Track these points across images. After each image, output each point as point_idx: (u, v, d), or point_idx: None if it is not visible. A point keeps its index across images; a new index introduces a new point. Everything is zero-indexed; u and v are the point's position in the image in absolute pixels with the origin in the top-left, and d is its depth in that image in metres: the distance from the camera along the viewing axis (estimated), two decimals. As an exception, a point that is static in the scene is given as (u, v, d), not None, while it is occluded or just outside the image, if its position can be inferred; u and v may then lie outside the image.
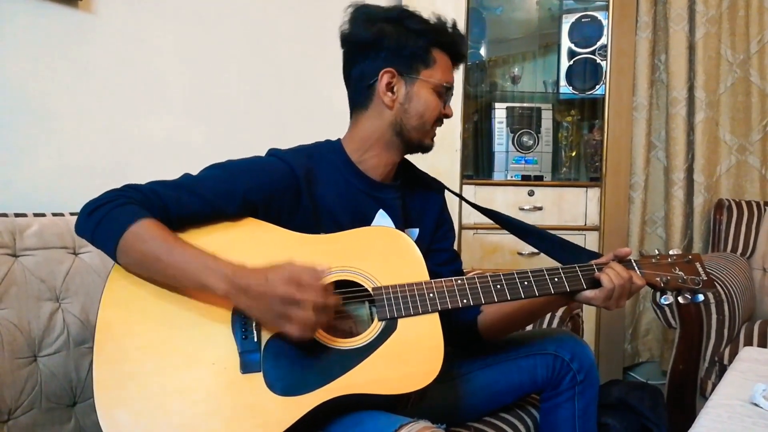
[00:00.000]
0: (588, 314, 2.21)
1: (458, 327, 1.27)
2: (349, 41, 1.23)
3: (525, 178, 2.36)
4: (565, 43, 2.39)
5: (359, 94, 1.24)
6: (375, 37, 1.19)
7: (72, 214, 1.29)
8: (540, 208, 2.32)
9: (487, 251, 2.30)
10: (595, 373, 1.28)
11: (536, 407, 1.36)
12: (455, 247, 1.41)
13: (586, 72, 2.38)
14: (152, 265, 1.00)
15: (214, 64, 1.85)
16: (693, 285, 1.19)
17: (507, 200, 2.31)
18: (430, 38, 1.20)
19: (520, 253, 2.28)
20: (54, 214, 1.31)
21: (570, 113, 2.58)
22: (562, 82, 2.40)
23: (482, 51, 2.54)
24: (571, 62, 2.39)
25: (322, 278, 0.97)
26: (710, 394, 1.22)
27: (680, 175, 2.62)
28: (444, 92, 1.22)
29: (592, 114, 2.55)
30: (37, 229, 1.25)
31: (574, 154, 2.57)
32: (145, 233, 0.99)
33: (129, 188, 1.05)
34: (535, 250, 1.44)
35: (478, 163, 2.53)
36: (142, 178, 1.09)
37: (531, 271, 1.15)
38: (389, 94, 1.20)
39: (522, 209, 2.31)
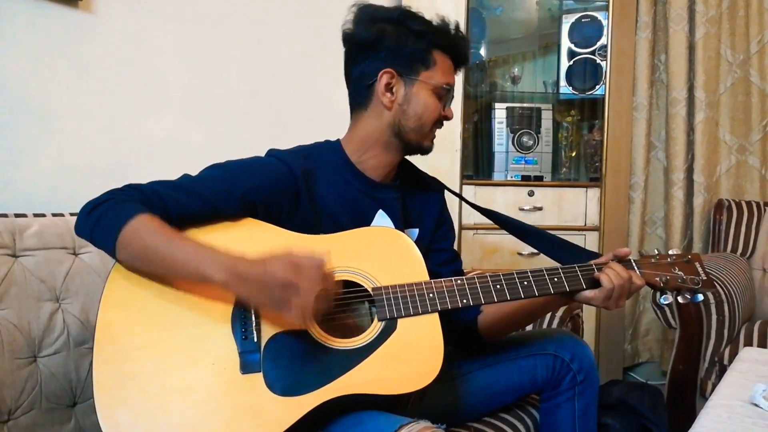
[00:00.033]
0: (588, 314, 2.21)
1: (458, 327, 1.27)
2: (350, 41, 1.23)
3: (525, 178, 2.36)
4: (565, 43, 2.40)
5: (359, 94, 1.24)
6: (375, 37, 1.19)
7: (72, 214, 1.29)
8: (540, 209, 2.32)
9: (487, 251, 2.30)
10: (595, 374, 1.28)
11: (536, 407, 1.36)
12: (455, 247, 1.41)
13: (586, 72, 2.38)
14: (152, 257, 0.99)
15: (214, 64, 1.85)
16: (692, 285, 1.19)
17: (507, 200, 2.31)
18: (431, 40, 1.19)
19: (519, 254, 2.28)
20: (54, 215, 1.31)
21: (570, 113, 2.58)
22: (562, 82, 2.41)
23: (482, 51, 2.54)
24: (571, 62, 2.39)
25: (321, 264, 0.96)
26: (710, 394, 1.22)
27: (680, 176, 2.62)
28: (444, 94, 1.22)
29: (592, 114, 2.55)
30: (37, 230, 1.25)
31: (574, 154, 2.57)
32: (144, 227, 0.99)
33: (130, 188, 1.05)
34: (535, 251, 1.44)
35: (478, 163, 2.53)
36: (142, 178, 1.09)
37: (531, 271, 1.15)
38: (388, 94, 1.20)
39: (522, 209, 2.31)
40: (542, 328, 1.61)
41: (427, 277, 1.12)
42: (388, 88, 1.20)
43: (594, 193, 2.33)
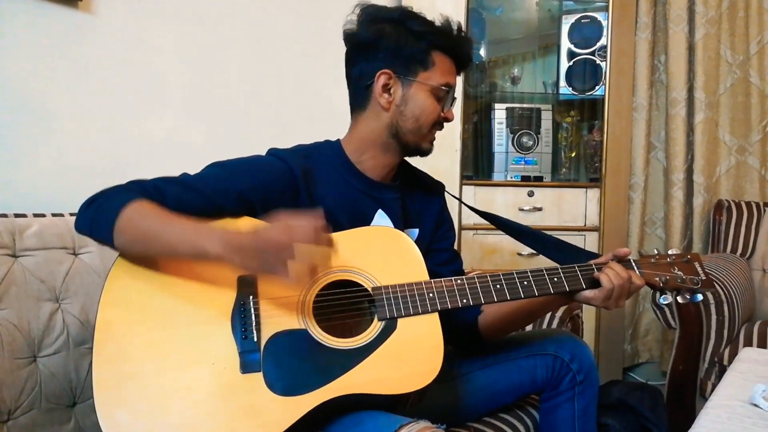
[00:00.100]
0: (588, 314, 2.21)
1: (458, 327, 1.27)
2: (350, 41, 1.23)
3: (525, 178, 2.36)
4: (565, 44, 2.40)
5: (358, 95, 1.24)
6: (374, 37, 1.19)
7: (72, 214, 1.29)
8: (540, 209, 2.32)
9: (486, 252, 2.30)
10: (594, 374, 1.28)
11: (536, 407, 1.36)
12: (455, 247, 1.41)
13: (585, 73, 2.38)
14: (149, 238, 0.99)
15: (214, 64, 1.85)
16: (692, 285, 1.19)
17: (507, 201, 2.31)
18: (431, 40, 1.19)
19: (519, 254, 2.28)
20: (54, 215, 1.31)
21: (570, 114, 2.58)
22: (562, 82, 2.41)
23: (482, 51, 2.54)
24: (571, 63, 2.39)
25: (314, 223, 0.94)
26: (710, 394, 1.23)
27: (680, 176, 2.62)
28: (443, 95, 1.21)
29: (592, 115, 2.55)
30: (36, 230, 1.25)
31: (573, 154, 2.57)
32: (139, 211, 1.00)
33: (131, 183, 1.07)
34: (535, 251, 1.44)
35: (477, 163, 2.53)
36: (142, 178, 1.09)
37: (530, 271, 1.15)
38: (385, 95, 1.20)
39: (522, 210, 2.31)
40: (542, 328, 1.61)
41: (427, 277, 1.12)
42: (386, 88, 1.19)
43: (594, 194, 2.33)
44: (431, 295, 1.09)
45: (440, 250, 1.33)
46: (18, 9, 1.39)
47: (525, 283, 1.14)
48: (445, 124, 1.25)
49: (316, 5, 2.11)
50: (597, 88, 2.37)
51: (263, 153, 1.21)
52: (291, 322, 1.03)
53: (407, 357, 1.04)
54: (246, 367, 0.98)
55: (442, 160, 2.16)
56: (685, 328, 1.97)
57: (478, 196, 2.30)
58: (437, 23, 1.21)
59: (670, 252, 1.23)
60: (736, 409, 1.05)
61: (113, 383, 0.95)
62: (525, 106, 2.43)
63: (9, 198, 1.35)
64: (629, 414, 1.54)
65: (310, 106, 2.09)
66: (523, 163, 2.39)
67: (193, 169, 1.14)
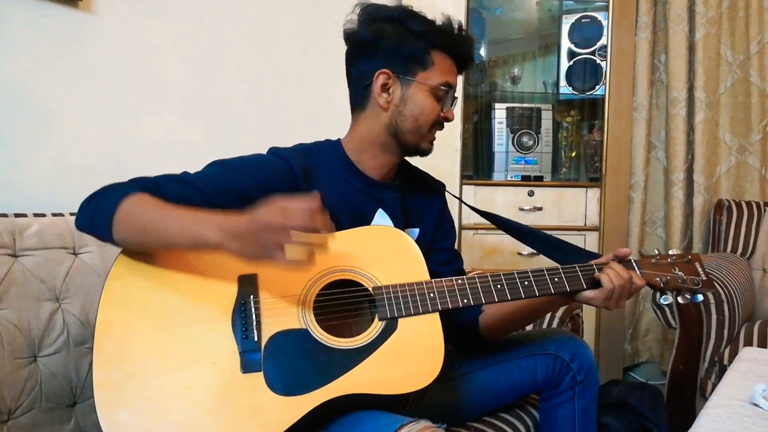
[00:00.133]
0: (588, 314, 2.21)
1: (459, 327, 1.27)
2: (350, 40, 1.23)
3: (525, 178, 2.36)
4: (565, 44, 2.40)
5: (358, 94, 1.24)
6: (374, 36, 1.19)
7: (72, 214, 1.29)
8: (540, 209, 2.32)
9: (487, 251, 2.30)
10: (594, 374, 1.28)
11: (536, 407, 1.36)
12: (455, 247, 1.40)
13: (585, 72, 2.38)
14: (147, 229, 0.99)
15: (214, 64, 1.85)
16: (692, 285, 1.19)
17: (507, 200, 2.31)
18: (430, 40, 1.18)
19: (519, 253, 2.28)
20: (54, 214, 1.31)
21: (570, 113, 2.58)
22: (562, 82, 2.41)
23: (482, 51, 2.54)
24: (571, 62, 2.39)
25: (309, 204, 0.93)
26: (710, 394, 1.22)
27: (680, 176, 2.62)
28: (443, 95, 1.20)
29: (592, 114, 2.55)
30: (37, 229, 1.25)
31: (573, 154, 2.57)
32: (138, 204, 1.01)
33: (132, 180, 1.07)
34: (535, 251, 1.44)
35: (478, 163, 2.53)
36: (142, 178, 1.09)
37: (531, 271, 1.15)
38: (384, 95, 1.19)
39: (522, 209, 2.31)
40: (542, 328, 1.61)
41: (427, 277, 1.12)
42: (385, 88, 1.19)
43: (594, 193, 2.33)
44: (432, 295, 1.09)
45: (441, 250, 1.33)
46: (18, 9, 1.39)
47: (526, 283, 1.14)
48: (445, 123, 1.24)
49: (316, 5, 2.11)
50: (597, 87, 2.37)
51: (264, 152, 1.21)
52: (291, 321, 1.03)
53: (408, 357, 1.04)
54: (246, 367, 0.98)
55: (442, 160, 2.16)
56: (686, 327, 1.97)
57: (479, 195, 2.30)
58: (438, 22, 1.20)
59: (670, 252, 1.23)
60: (737, 408, 1.05)
61: (113, 383, 0.95)
62: (525, 105, 2.43)
63: (9, 198, 1.35)
64: (629, 414, 1.54)
65: (310, 106, 2.09)
66: (523, 162, 2.39)
67: (194, 169, 1.14)
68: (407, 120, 1.20)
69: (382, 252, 1.13)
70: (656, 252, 1.24)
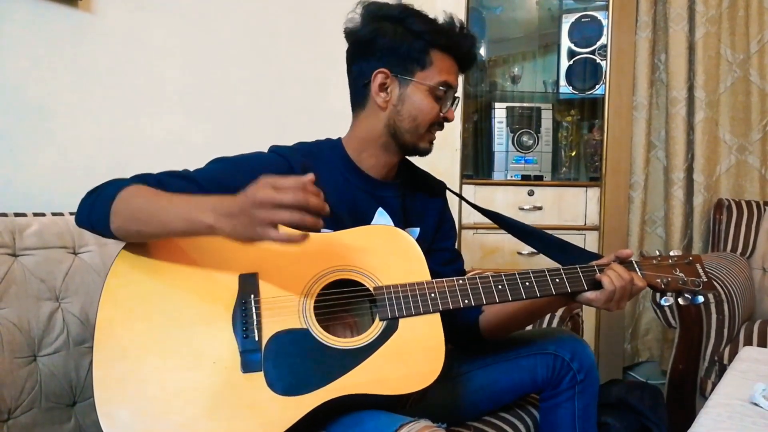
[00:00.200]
0: (588, 314, 2.21)
1: (459, 327, 1.27)
2: (350, 38, 1.22)
3: (525, 177, 2.36)
4: (565, 43, 2.39)
5: (357, 93, 1.23)
6: (372, 35, 1.18)
7: (72, 213, 1.28)
8: (540, 208, 2.32)
9: (487, 251, 2.30)
10: (595, 373, 1.28)
11: (536, 407, 1.36)
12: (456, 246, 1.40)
13: (585, 72, 2.38)
14: (142, 216, 0.99)
15: (214, 64, 1.85)
16: (693, 286, 1.19)
17: (507, 200, 2.31)
18: (429, 39, 1.17)
19: (519, 253, 2.28)
20: (54, 214, 1.31)
21: (570, 113, 2.58)
22: (562, 81, 2.40)
23: (482, 50, 2.54)
24: (571, 62, 2.39)
25: (303, 179, 0.91)
26: (710, 393, 1.22)
27: (680, 175, 2.62)
28: (442, 95, 1.19)
29: (592, 114, 2.55)
30: (36, 229, 1.25)
31: (573, 153, 2.57)
32: (134, 193, 1.01)
33: (134, 176, 1.07)
34: (535, 250, 1.44)
35: (477, 162, 2.53)
36: (142, 178, 1.09)
37: (532, 272, 1.15)
38: (382, 94, 1.19)
39: (522, 209, 2.31)
40: (542, 327, 1.61)
41: (428, 276, 1.11)
42: (383, 87, 1.19)
43: (594, 193, 2.33)
44: (433, 295, 1.09)
45: (441, 250, 1.33)
46: (18, 8, 1.38)
47: (527, 283, 1.14)
48: (445, 123, 1.24)
49: (316, 5, 2.11)
50: (597, 87, 2.36)
51: (264, 151, 1.21)
52: (292, 321, 1.03)
53: (408, 357, 1.03)
54: (247, 367, 0.98)
55: (442, 160, 2.16)
56: (686, 327, 1.97)
57: (479, 195, 2.30)
58: (440, 21, 1.19)
59: (671, 253, 1.23)
60: (737, 408, 1.05)
61: (113, 382, 0.95)
62: (525, 105, 2.43)
63: (9, 198, 1.35)
64: (629, 413, 1.54)
65: (309, 105, 2.09)
66: (523, 162, 2.39)
67: (194, 168, 1.14)
68: (405, 120, 1.19)
69: (383, 251, 1.13)
70: (657, 253, 1.24)
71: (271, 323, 1.02)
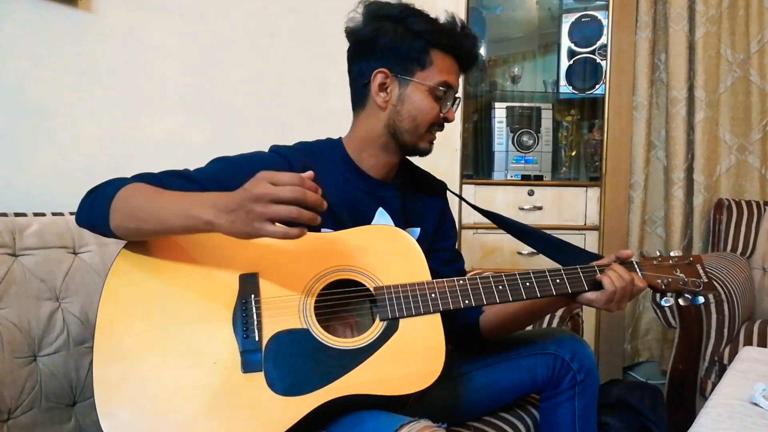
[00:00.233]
0: (588, 314, 2.21)
1: (460, 327, 1.27)
2: (351, 38, 1.22)
3: (525, 177, 2.36)
4: (565, 43, 2.40)
5: (358, 93, 1.23)
6: (372, 35, 1.18)
7: (72, 213, 1.29)
8: (540, 208, 2.32)
9: (487, 251, 2.30)
10: (595, 373, 1.28)
11: (536, 407, 1.36)
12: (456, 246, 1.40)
13: (586, 71, 2.38)
14: (141, 213, 0.99)
15: (214, 64, 1.85)
16: (694, 287, 1.19)
17: (507, 200, 2.31)
18: (429, 39, 1.17)
19: (519, 253, 2.28)
20: (54, 214, 1.31)
21: (570, 113, 2.58)
22: (562, 81, 2.41)
23: (482, 51, 2.54)
24: (571, 62, 2.39)
25: (300, 177, 0.91)
26: (710, 393, 1.22)
27: (680, 175, 2.62)
28: (442, 96, 1.19)
29: (592, 114, 2.55)
30: (36, 229, 1.25)
31: (573, 153, 2.57)
32: (133, 191, 1.01)
33: (135, 176, 1.07)
34: (535, 250, 1.44)
35: (477, 162, 2.53)
36: (142, 178, 1.09)
37: (533, 272, 1.15)
38: (382, 94, 1.19)
39: (522, 209, 2.31)
40: (542, 327, 1.61)
41: (428, 276, 1.11)
42: (383, 87, 1.19)
43: (594, 193, 2.33)
44: (433, 295, 1.09)
45: (442, 250, 1.33)
46: (17, 8, 1.38)
47: (527, 284, 1.14)
48: (445, 124, 1.24)
49: (316, 5, 2.11)
50: (597, 87, 2.37)
51: (265, 150, 1.21)
52: (292, 321, 1.03)
53: (409, 358, 1.03)
54: (247, 367, 0.98)
55: (442, 159, 2.16)
56: (686, 327, 1.97)
57: (479, 195, 2.30)
58: (441, 20, 1.19)
59: (672, 254, 1.23)
60: (737, 408, 1.05)
61: (114, 382, 0.95)
62: (525, 105, 2.43)
63: (9, 198, 1.34)
64: (629, 413, 1.54)
65: (309, 105, 2.09)
66: (523, 162, 2.39)
67: (194, 168, 1.14)
68: (405, 120, 1.19)
69: (383, 251, 1.13)
70: (658, 253, 1.24)
71: (272, 323, 1.02)
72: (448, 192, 1.38)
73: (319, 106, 2.07)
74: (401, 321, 1.06)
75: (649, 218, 2.76)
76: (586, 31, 2.37)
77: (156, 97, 1.69)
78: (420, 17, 1.18)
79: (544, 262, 1.31)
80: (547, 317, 1.62)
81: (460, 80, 1.27)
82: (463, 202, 1.44)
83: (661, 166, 2.73)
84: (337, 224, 1.16)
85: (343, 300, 1.08)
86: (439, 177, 1.40)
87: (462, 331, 1.28)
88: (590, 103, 2.53)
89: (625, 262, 1.19)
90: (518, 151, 2.38)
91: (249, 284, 1.04)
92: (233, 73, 1.91)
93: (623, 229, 2.65)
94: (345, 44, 1.24)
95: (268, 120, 2.00)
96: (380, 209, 1.24)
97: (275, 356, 1.00)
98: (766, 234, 2.42)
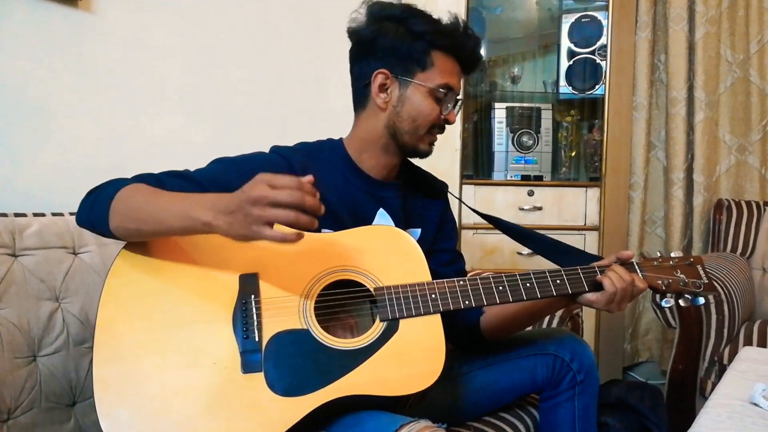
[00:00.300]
0: (587, 314, 2.21)
1: (460, 328, 1.27)
2: (352, 38, 1.22)
3: (525, 178, 2.36)
4: (565, 43, 2.40)
5: (359, 93, 1.23)
6: (373, 35, 1.18)
7: (72, 213, 1.29)
8: (540, 208, 2.32)
9: (487, 251, 2.30)
10: (594, 373, 1.28)
11: (536, 407, 1.36)
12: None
13: (585, 72, 2.38)
14: (140, 214, 0.99)
15: (214, 64, 1.85)
16: (694, 288, 1.19)
17: (507, 200, 2.31)
18: (430, 40, 1.17)
19: (519, 253, 2.28)
20: (54, 214, 1.31)
21: (570, 113, 2.58)
22: (562, 81, 2.41)
23: (482, 50, 2.53)
24: (571, 62, 2.39)
25: (299, 180, 0.90)
26: (710, 393, 1.23)
27: (680, 175, 2.62)
28: (443, 97, 1.19)
29: (592, 114, 2.55)
30: (36, 229, 1.25)
31: (573, 154, 2.57)
32: (132, 191, 1.01)
33: (135, 176, 1.07)
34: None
35: (477, 162, 2.53)
36: (142, 178, 1.09)
37: (533, 273, 1.15)
38: (382, 95, 1.19)
39: (522, 209, 2.31)
40: (542, 327, 1.61)
41: (429, 277, 1.11)
42: (383, 88, 1.18)
43: (594, 193, 2.33)
44: (434, 296, 1.09)
45: (443, 251, 1.33)
46: (17, 8, 1.38)
47: (528, 284, 1.14)
48: (446, 125, 1.23)
49: (316, 5, 2.11)
50: (597, 87, 2.37)
51: (266, 151, 1.21)
52: (292, 321, 1.03)
53: (409, 358, 1.03)
54: (247, 367, 0.98)
55: (442, 160, 2.16)
56: (685, 327, 1.97)
57: (478, 195, 2.30)
58: (443, 21, 1.18)
59: (672, 255, 1.23)
60: (736, 408, 1.05)
61: (113, 382, 0.95)
62: (525, 105, 2.43)
63: (9, 198, 1.34)
64: (629, 413, 1.54)
65: (310, 106, 2.09)
66: (523, 162, 2.39)
67: (194, 169, 1.14)
68: (405, 121, 1.19)
69: (383, 252, 1.13)
70: (658, 254, 1.24)
71: (272, 324, 1.02)
72: (449, 193, 1.38)
73: (319, 106, 2.07)
74: (401, 321, 1.06)
75: (649, 218, 2.76)
76: (586, 32, 2.37)
77: (156, 97, 1.69)
78: (422, 18, 1.18)
79: (544, 263, 1.31)
80: (547, 317, 1.62)
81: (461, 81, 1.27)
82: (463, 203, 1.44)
83: (660, 166, 2.73)
84: (338, 225, 1.16)
85: (343, 300, 1.08)
86: (438, 177, 1.40)
87: (463, 332, 1.28)
88: (590, 103, 2.53)
89: (626, 263, 1.19)
90: (518, 151, 2.38)
91: (249, 284, 1.04)
92: (233, 73, 1.91)
93: (623, 229, 2.65)
94: (345, 44, 1.24)
95: (268, 120, 2.00)
96: (381, 210, 1.24)
97: (275, 356, 1.00)
98: (765, 234, 2.42)
